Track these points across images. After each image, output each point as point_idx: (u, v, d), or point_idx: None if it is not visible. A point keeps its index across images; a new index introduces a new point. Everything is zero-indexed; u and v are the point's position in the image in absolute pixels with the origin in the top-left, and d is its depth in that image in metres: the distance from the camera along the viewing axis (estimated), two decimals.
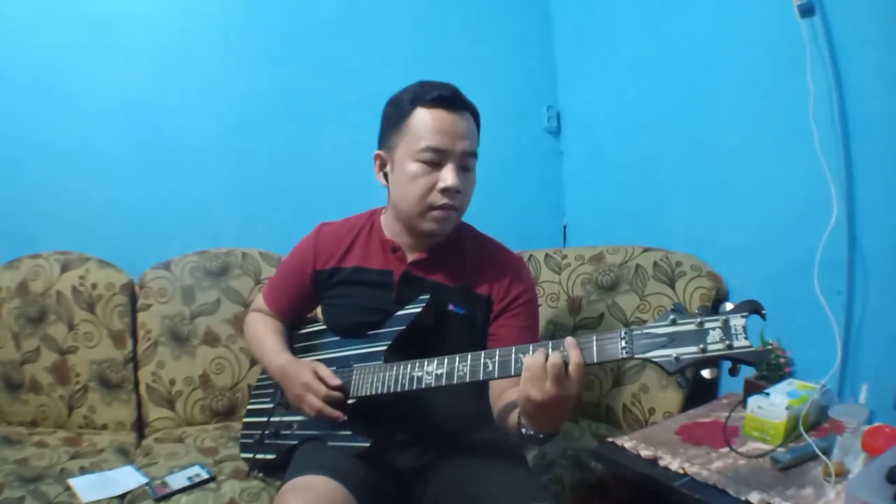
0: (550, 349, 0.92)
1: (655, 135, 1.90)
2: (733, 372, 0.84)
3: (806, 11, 1.38)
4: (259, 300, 1.42)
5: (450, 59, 2.13)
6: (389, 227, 1.24)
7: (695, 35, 1.76)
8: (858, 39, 1.36)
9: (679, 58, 1.81)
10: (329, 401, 1.14)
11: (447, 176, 1.11)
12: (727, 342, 0.82)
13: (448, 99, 1.12)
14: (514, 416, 1.04)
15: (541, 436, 0.98)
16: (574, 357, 0.90)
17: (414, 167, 1.12)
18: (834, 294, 1.39)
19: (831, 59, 1.38)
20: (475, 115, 1.18)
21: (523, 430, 0.99)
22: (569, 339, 0.91)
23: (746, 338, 0.81)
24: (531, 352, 0.93)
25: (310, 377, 1.16)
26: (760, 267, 1.61)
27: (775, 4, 1.47)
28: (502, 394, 1.14)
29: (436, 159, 1.11)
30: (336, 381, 1.15)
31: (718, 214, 1.73)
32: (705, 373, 0.86)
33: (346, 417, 1.14)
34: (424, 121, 1.11)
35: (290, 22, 1.96)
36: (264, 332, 1.35)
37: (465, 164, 1.14)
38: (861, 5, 1.35)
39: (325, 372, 1.17)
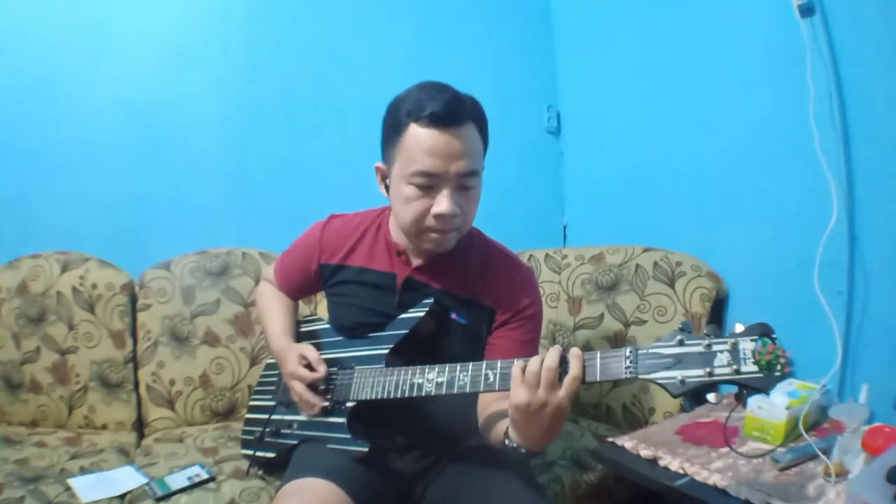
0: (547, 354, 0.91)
1: (655, 135, 1.90)
2: (739, 398, 0.81)
3: (806, 11, 1.38)
4: (270, 271, 1.42)
5: (450, 59, 2.13)
6: (396, 229, 1.20)
7: (694, 35, 1.75)
8: (858, 39, 1.36)
9: (679, 58, 1.80)
10: (313, 388, 1.16)
11: (441, 202, 1.04)
12: (735, 367, 0.79)
13: (442, 117, 1.01)
14: (500, 427, 1.03)
15: (523, 450, 0.96)
16: (574, 370, 0.88)
17: (408, 190, 1.05)
18: (834, 294, 1.39)
19: (831, 59, 1.38)
20: (480, 124, 1.07)
21: (507, 442, 0.98)
22: (573, 350, 0.90)
23: (755, 363, 0.79)
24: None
25: (293, 366, 1.17)
26: (760, 267, 1.61)
27: (775, 4, 1.47)
28: (491, 404, 1.11)
29: (429, 183, 1.04)
30: (321, 371, 1.16)
31: (718, 214, 1.73)
32: (710, 397, 0.82)
33: (325, 404, 1.15)
34: (418, 140, 1.02)
35: (290, 22, 1.97)
36: (273, 310, 1.36)
37: (464, 184, 1.06)
38: (861, 5, 1.35)
39: (314, 356, 1.17)
